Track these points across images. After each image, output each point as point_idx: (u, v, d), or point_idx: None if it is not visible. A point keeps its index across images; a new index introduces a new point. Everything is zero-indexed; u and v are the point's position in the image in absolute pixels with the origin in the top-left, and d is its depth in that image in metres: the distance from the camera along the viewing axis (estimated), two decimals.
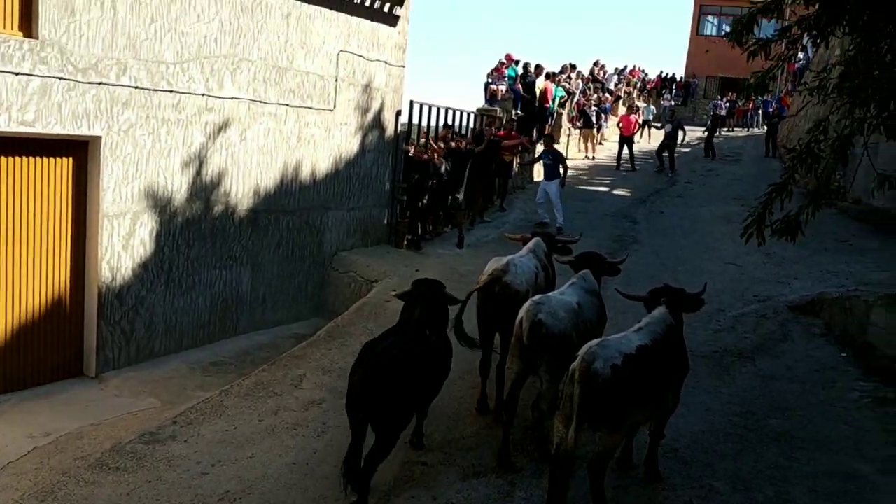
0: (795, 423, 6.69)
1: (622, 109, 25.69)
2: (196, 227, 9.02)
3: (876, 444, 6.30)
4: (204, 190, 9.05)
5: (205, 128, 8.91)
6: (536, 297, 5.96)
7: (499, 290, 6.64)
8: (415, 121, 13.06)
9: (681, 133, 20.33)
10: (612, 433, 4.98)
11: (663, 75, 35.77)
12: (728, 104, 28.30)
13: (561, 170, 13.89)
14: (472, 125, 15.12)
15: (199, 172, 8.95)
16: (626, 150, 20.58)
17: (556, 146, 15.02)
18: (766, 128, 24.72)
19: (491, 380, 6.84)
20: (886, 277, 9.63)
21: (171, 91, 8.43)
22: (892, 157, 12.28)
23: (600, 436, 5.00)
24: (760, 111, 29.01)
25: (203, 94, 8.81)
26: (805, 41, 4.19)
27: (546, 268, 7.32)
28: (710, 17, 38.49)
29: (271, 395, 7.16)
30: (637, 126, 21.43)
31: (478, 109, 16.02)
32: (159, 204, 8.54)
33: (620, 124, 21.23)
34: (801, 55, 21.54)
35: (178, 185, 8.71)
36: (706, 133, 23.79)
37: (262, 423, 6.60)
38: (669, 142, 19.95)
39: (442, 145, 12.76)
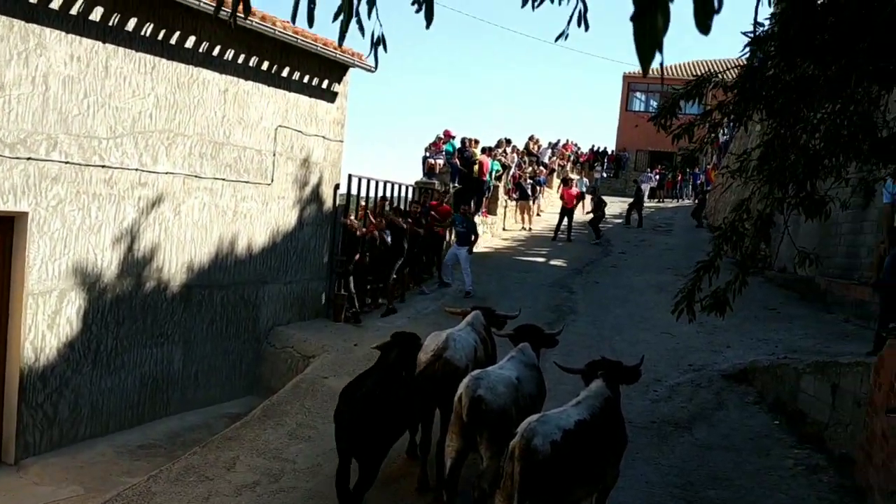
0: (733, 493, 6.73)
1: (556, 182, 26.39)
2: (126, 304, 8.76)
3: None
4: (135, 266, 8.84)
5: (138, 203, 8.77)
6: (475, 373, 5.91)
7: (439, 366, 6.58)
8: (353, 193, 13.11)
9: (604, 206, 21.81)
10: None
11: (595, 149, 36.98)
12: (658, 176, 29.38)
13: (473, 237, 14.77)
14: (410, 197, 15.27)
15: (130, 248, 8.76)
16: (565, 221, 20.94)
17: (470, 215, 15.38)
18: (696, 201, 25.76)
19: (431, 459, 6.72)
20: (813, 344, 9.93)
21: (102, 166, 8.30)
22: (809, 232, 12.88)
23: None
24: (690, 183, 30.20)
25: (136, 169, 8.70)
26: (725, 124, 4.40)
27: (485, 341, 7.31)
28: (638, 94, 40.18)
29: (202, 479, 6.87)
30: (576, 198, 21.97)
31: (416, 182, 16.20)
32: (88, 281, 8.29)
33: (563, 197, 21.76)
34: (725, 130, 22.65)
35: (108, 262, 8.48)
36: (629, 205, 24.88)
37: None
38: (595, 213, 21.34)
39: (379, 219, 12.86)
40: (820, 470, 7.14)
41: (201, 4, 8.60)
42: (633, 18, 1.04)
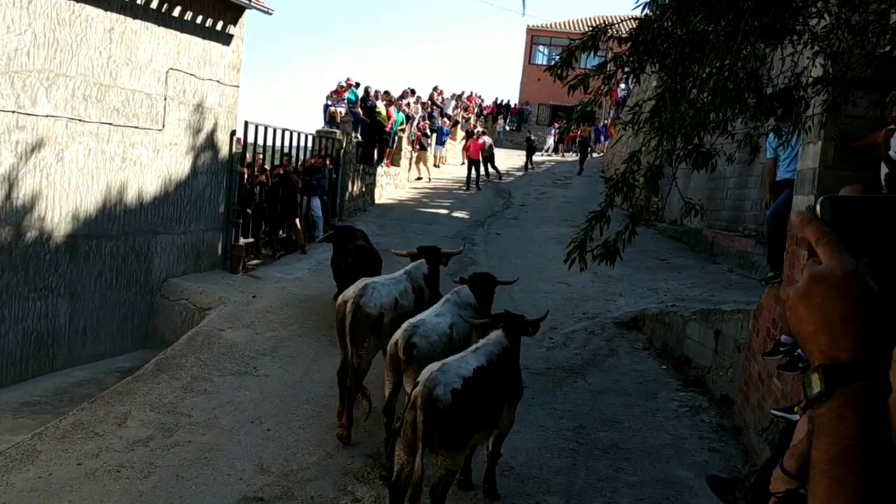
0: (623, 435, 7.05)
1: (460, 134, 26.43)
2: (5, 255, 8.26)
3: (693, 451, 6.76)
4: (14, 214, 8.32)
5: (15, 147, 8.21)
6: (413, 319, 6.21)
7: (350, 312, 6.66)
8: (251, 141, 12.71)
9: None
10: (454, 456, 5.01)
11: (499, 102, 37.14)
12: (557, 131, 29.87)
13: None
14: (310, 146, 14.93)
15: (8, 196, 8.23)
16: (474, 172, 21.55)
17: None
18: (578, 153, 27.17)
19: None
20: (700, 293, 10.41)
21: None
22: (698, 185, 13.41)
23: (443, 459, 5.02)
24: (592, 137, 30.76)
25: (13, 111, 8.13)
26: (620, 77, 4.48)
27: (421, 289, 7.37)
28: (541, 48, 40.45)
29: (91, 435, 6.63)
30: (483, 149, 22.16)
31: (317, 131, 15.85)
32: None
33: (468, 149, 22.27)
34: (622, 86, 23.18)
35: None
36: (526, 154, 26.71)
37: (81, 468, 6.09)
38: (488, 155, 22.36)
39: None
40: (702, 411, 7.56)
41: None
42: None
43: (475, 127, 25.96)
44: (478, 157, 21.66)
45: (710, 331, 8.11)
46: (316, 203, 13.95)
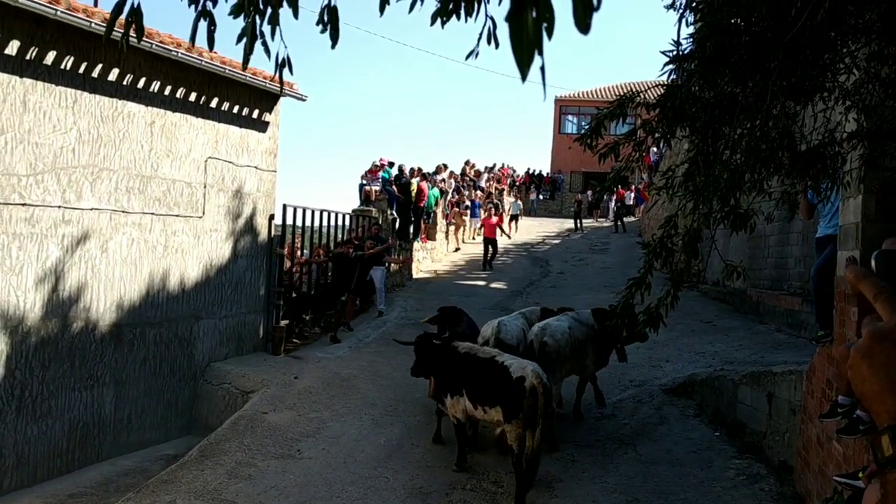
0: None
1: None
2: (52, 347, 8.41)
3: None
4: (61, 307, 8.50)
5: (61, 241, 8.46)
6: (540, 324, 8.43)
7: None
8: (289, 223, 12.94)
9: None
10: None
11: (531, 172, 37.46)
12: (593, 197, 30.00)
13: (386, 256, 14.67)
14: (347, 226, 15.16)
15: (55, 288, 8.43)
16: (490, 249, 20.40)
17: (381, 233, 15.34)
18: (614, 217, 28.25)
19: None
20: (748, 355, 10.14)
21: (23, 204, 7.99)
22: (738, 245, 13.23)
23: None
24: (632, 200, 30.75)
25: (59, 206, 8.41)
26: (651, 143, 4.48)
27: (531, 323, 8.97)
28: (569, 117, 40.95)
29: None
30: (499, 225, 21.52)
31: (353, 210, 16.10)
32: (10, 324, 7.93)
33: (483, 226, 21.51)
34: (654, 150, 23.29)
35: (31, 303, 8.14)
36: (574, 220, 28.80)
37: None
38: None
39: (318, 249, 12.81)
40: (761, 479, 7.25)
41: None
42: (507, 18, 1.00)
43: (492, 201, 25.02)
44: (493, 236, 20.60)
45: (762, 394, 7.85)
46: (380, 274, 14.19)
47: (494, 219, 21.23)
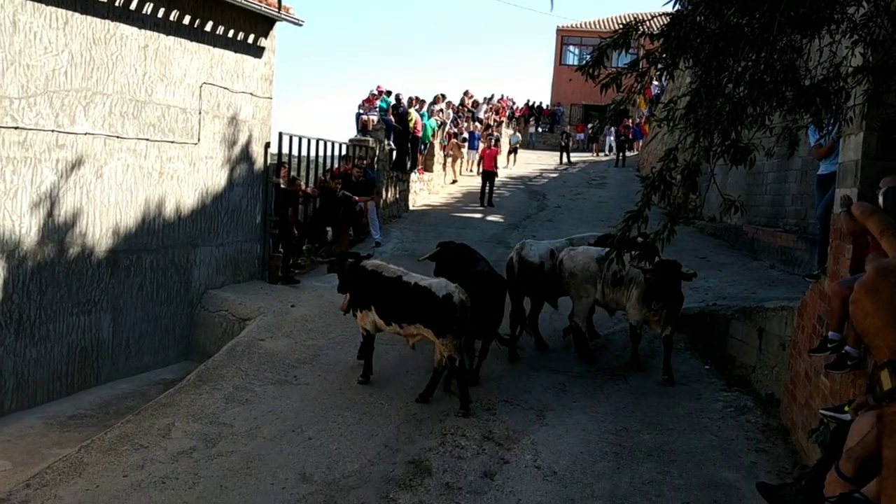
0: (667, 437, 6.93)
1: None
2: (49, 272, 8.43)
3: (740, 452, 6.62)
4: (57, 231, 8.49)
5: (56, 165, 8.38)
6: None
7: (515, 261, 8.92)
8: (285, 151, 12.83)
9: None
10: None
11: (531, 104, 37.01)
12: (592, 130, 29.71)
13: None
14: (343, 154, 15.03)
15: (50, 213, 8.40)
16: (488, 185, 19.47)
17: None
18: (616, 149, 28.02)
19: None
20: (741, 291, 10.22)
21: (16, 128, 7.88)
22: (736, 181, 13.19)
23: None
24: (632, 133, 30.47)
25: (53, 131, 8.30)
26: (653, 73, 4.41)
27: None
28: (571, 48, 40.21)
29: (137, 447, 6.72)
30: (497, 158, 20.59)
31: (350, 140, 15.95)
32: (6, 248, 7.94)
33: (482, 159, 20.35)
34: (656, 83, 22.96)
35: (27, 228, 8.12)
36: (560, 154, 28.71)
37: (127, 479, 6.17)
38: None
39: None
40: (748, 411, 7.40)
41: None
42: None
43: (493, 133, 24.11)
44: (493, 169, 19.47)
45: (753, 329, 7.95)
46: (372, 204, 14.16)
47: (495, 149, 20.64)
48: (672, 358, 8.38)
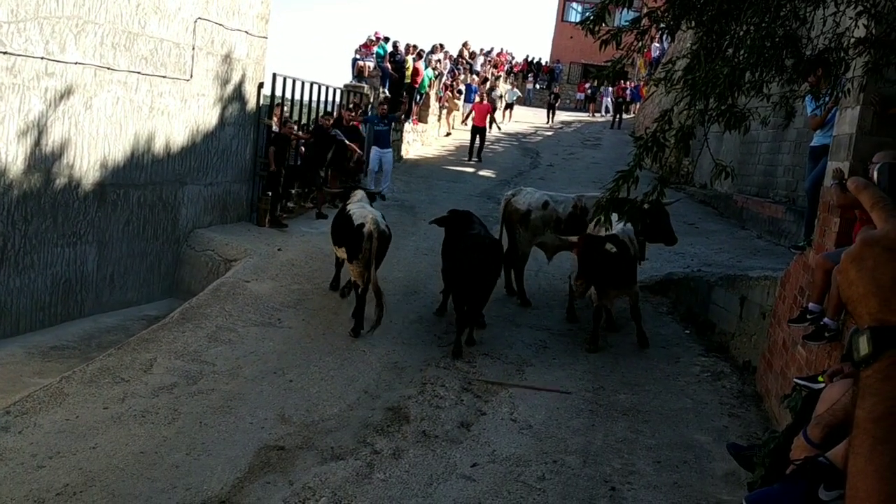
0: (642, 398, 7.04)
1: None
2: (35, 202, 8.35)
3: (713, 416, 6.74)
4: (44, 161, 8.38)
5: (44, 94, 8.24)
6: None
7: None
8: (278, 93, 12.66)
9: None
10: None
11: (529, 60, 36.60)
12: (590, 90, 29.51)
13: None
14: (338, 100, 14.86)
15: (38, 142, 8.28)
16: (478, 140, 19.09)
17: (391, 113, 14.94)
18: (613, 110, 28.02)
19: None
20: (727, 259, 10.29)
21: (4, 52, 7.72)
22: (730, 149, 13.17)
23: None
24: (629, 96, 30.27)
25: (42, 58, 8.13)
26: (654, 33, 4.35)
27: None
28: (574, 5, 39.61)
29: (118, 380, 6.76)
30: (490, 114, 19.99)
31: (345, 85, 15.75)
32: None
33: (472, 113, 19.81)
34: (657, 45, 22.73)
35: (13, 156, 8.01)
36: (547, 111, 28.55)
37: (108, 412, 6.22)
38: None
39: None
40: (724, 377, 7.52)
41: None
42: None
43: (490, 85, 23.67)
44: (483, 125, 18.92)
45: (735, 296, 8.03)
46: (389, 156, 14.08)
47: (486, 104, 20.18)
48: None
